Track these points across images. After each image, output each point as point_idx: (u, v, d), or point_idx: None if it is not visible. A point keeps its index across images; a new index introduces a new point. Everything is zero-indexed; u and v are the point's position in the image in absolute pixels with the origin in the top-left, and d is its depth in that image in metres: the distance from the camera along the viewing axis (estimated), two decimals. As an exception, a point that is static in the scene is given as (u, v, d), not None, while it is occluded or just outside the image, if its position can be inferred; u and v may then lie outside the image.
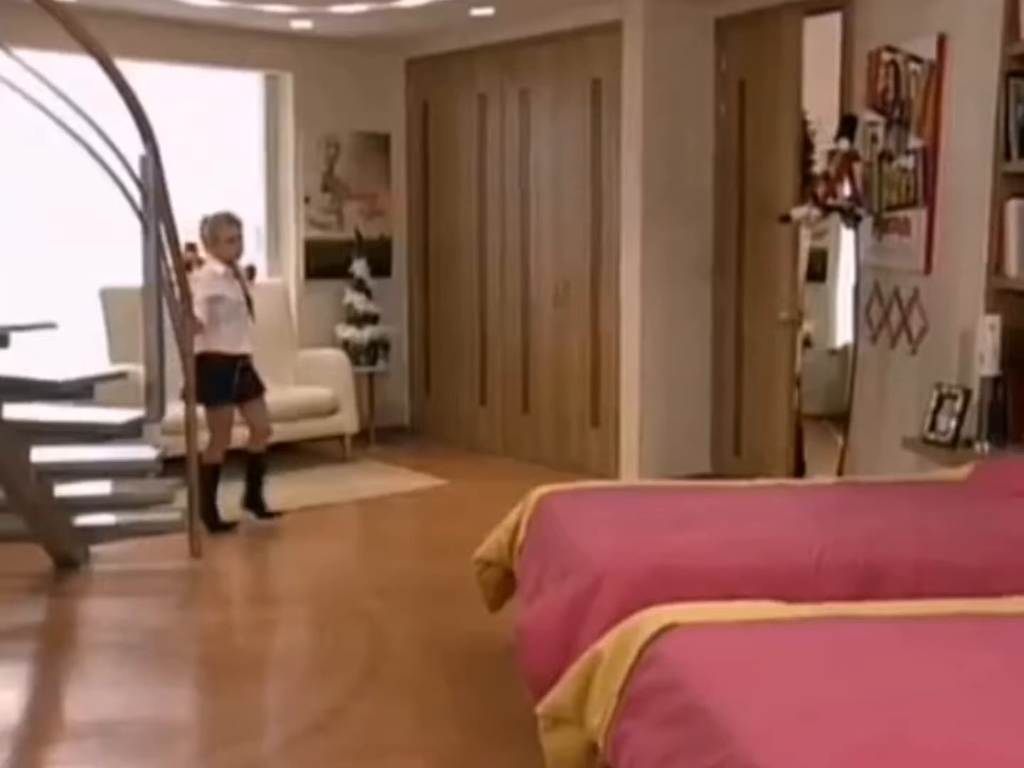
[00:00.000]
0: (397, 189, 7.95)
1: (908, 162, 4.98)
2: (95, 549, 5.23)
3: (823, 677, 2.35)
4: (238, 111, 7.62)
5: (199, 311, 5.30)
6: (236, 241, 5.61)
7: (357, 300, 7.42)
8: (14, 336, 4.57)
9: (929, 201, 4.87)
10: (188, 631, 4.50)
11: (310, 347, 7.38)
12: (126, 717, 3.67)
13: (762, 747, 2.08)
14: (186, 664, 4.26)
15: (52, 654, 4.29)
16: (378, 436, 7.57)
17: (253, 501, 5.71)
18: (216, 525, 5.49)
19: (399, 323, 7.88)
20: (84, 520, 5.14)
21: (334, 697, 3.77)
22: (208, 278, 5.52)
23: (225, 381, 5.46)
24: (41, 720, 3.74)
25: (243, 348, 5.56)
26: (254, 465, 5.72)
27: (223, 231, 5.57)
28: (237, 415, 5.63)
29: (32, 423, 4.67)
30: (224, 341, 5.47)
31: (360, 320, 7.39)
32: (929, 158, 4.85)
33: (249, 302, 5.58)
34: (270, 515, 5.67)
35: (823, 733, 2.10)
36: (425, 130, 7.81)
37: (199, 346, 5.32)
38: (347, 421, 6.96)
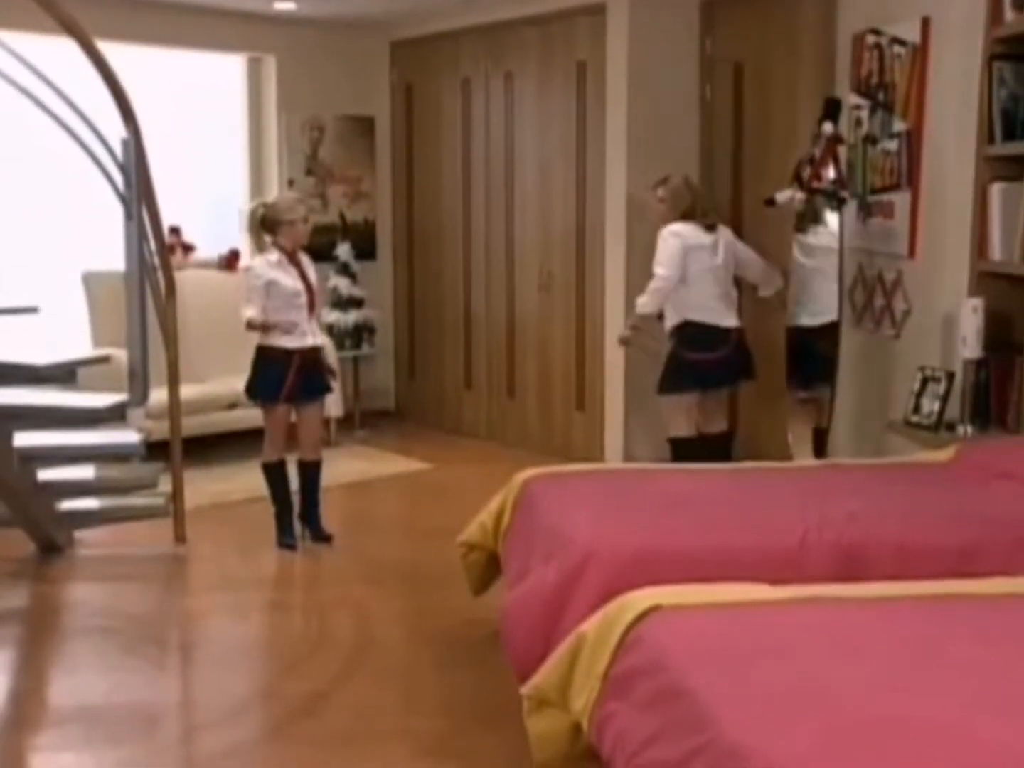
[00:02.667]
0: (381, 172, 7.93)
1: (892, 145, 4.98)
2: (79, 534, 5.22)
3: (806, 659, 2.36)
4: (221, 94, 7.58)
5: (255, 308, 4.89)
6: (301, 224, 5.04)
7: (342, 284, 7.39)
8: (-4, 320, 4.56)
9: (913, 184, 4.87)
10: (172, 616, 4.49)
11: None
12: (109, 702, 3.67)
13: (745, 729, 2.09)
14: (169, 649, 4.26)
15: (35, 639, 4.28)
16: (363, 420, 7.55)
17: (307, 516, 5.25)
18: (280, 540, 5.17)
19: (384, 307, 7.86)
20: (67, 505, 5.13)
21: (319, 682, 3.77)
22: (260, 266, 5.00)
23: (276, 378, 4.98)
24: (24, 705, 3.73)
25: (301, 343, 5.01)
26: (303, 475, 5.22)
27: (289, 213, 5.03)
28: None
29: (14, 407, 4.64)
30: (279, 335, 4.99)
31: (345, 304, 7.37)
32: (913, 141, 4.85)
33: (311, 292, 5.06)
34: (324, 537, 5.20)
35: (805, 715, 2.11)
36: (409, 113, 7.78)
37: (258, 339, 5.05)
38: (332, 405, 6.93)
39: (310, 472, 5.21)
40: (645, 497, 3.55)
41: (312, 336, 5.09)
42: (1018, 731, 2.02)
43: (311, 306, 5.07)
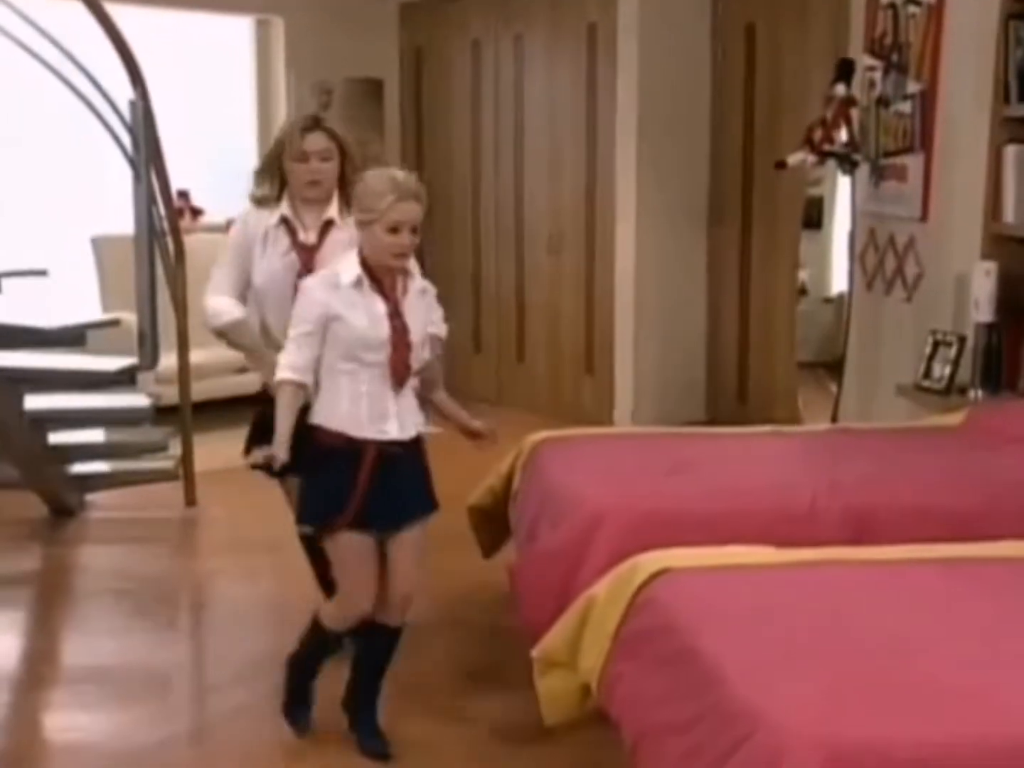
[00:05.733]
0: (390, 136, 7.87)
1: (906, 107, 4.94)
2: (90, 497, 5.24)
3: (815, 621, 2.37)
4: (229, 56, 7.54)
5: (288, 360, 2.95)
6: (382, 231, 2.82)
7: (351, 248, 7.34)
8: (5, 283, 4.55)
9: (926, 147, 4.83)
10: (182, 578, 4.52)
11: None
12: (121, 663, 3.70)
13: (752, 690, 2.10)
14: (180, 611, 4.29)
15: (48, 601, 4.32)
16: (372, 385, 7.54)
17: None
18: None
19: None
20: (78, 468, 5.15)
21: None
22: (314, 286, 2.96)
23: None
24: (37, 665, 3.77)
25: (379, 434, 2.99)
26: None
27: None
28: None
29: (24, 370, 4.66)
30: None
31: (354, 268, 7.34)
32: (927, 103, 4.81)
33: (405, 346, 2.91)
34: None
35: (813, 677, 2.12)
36: (419, 76, 7.73)
37: None
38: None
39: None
40: (655, 460, 3.55)
41: (398, 425, 2.96)
42: (1028, 692, 2.02)
43: (399, 372, 2.92)
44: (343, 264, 2.92)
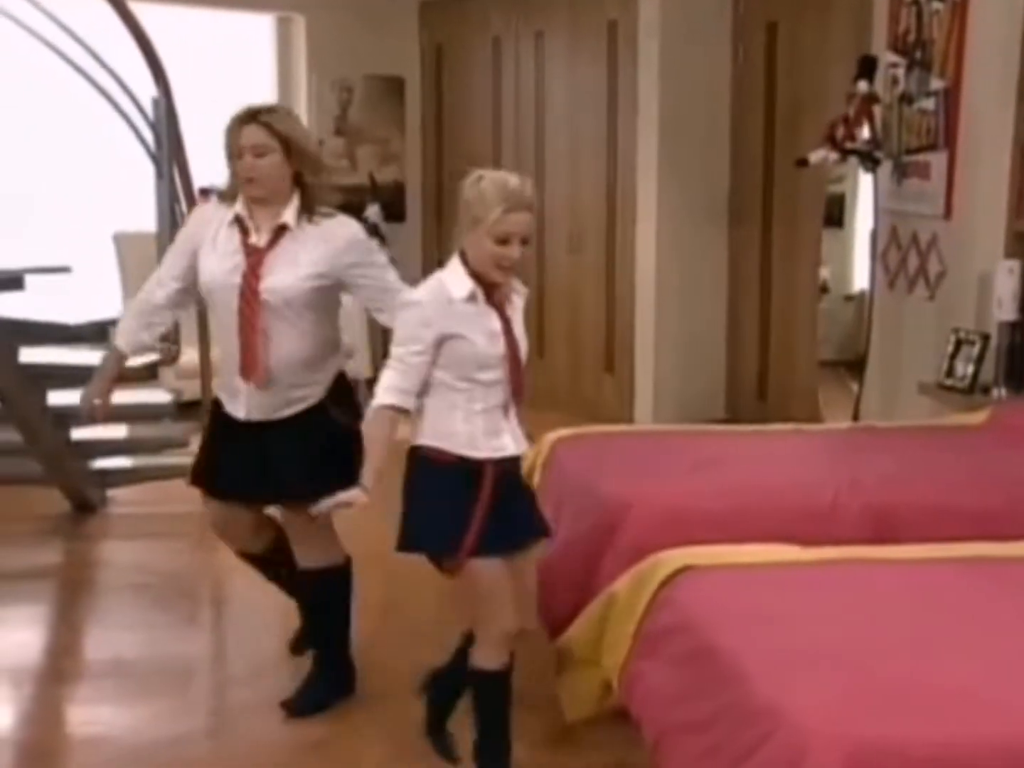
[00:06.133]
0: (411, 133, 7.89)
1: (929, 104, 4.91)
2: (112, 492, 5.26)
3: (836, 620, 2.36)
4: (250, 54, 7.56)
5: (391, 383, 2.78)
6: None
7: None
8: (29, 279, 4.58)
9: (950, 144, 4.80)
10: (203, 574, 4.53)
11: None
12: (142, 656, 3.72)
13: (772, 689, 2.09)
14: (200, 606, 4.31)
15: (70, 595, 4.34)
16: (392, 382, 7.54)
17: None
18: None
19: (413, 268, 7.83)
20: (100, 464, 5.17)
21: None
22: (424, 298, 2.71)
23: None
24: (59, 659, 3.79)
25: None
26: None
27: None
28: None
29: (47, 367, 4.69)
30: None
31: (374, 266, 7.34)
32: (951, 100, 4.78)
33: (517, 364, 2.77)
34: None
35: (834, 675, 2.11)
36: (439, 74, 7.74)
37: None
38: (361, 366, 6.94)
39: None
40: (676, 457, 3.54)
41: (512, 440, 2.81)
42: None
43: (518, 390, 2.80)
44: (447, 275, 2.68)
